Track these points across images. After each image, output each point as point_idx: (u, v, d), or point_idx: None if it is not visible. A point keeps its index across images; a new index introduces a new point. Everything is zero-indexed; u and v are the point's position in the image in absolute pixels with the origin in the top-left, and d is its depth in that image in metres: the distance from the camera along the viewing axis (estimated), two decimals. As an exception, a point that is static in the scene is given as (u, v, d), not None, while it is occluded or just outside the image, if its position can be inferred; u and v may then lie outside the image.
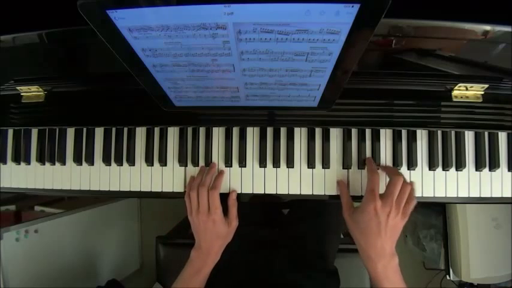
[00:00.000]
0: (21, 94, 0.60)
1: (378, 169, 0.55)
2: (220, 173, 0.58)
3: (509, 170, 0.57)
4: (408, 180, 0.55)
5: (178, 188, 0.59)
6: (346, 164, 0.57)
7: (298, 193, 0.58)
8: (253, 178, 0.59)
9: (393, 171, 0.52)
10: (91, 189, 0.62)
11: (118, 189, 0.61)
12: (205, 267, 0.55)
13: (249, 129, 0.59)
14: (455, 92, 0.54)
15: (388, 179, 0.52)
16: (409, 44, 0.43)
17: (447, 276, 1.06)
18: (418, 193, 0.57)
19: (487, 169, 0.57)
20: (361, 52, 0.33)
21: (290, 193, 0.58)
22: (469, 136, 0.57)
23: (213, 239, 0.55)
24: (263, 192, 0.58)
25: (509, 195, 0.57)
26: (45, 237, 0.97)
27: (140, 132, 0.61)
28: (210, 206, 0.54)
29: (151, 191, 0.60)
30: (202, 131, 0.60)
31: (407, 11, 0.37)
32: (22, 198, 1.11)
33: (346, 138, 0.58)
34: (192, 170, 0.60)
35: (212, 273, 0.58)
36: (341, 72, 0.38)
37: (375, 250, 0.47)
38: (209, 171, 0.58)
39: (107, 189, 0.61)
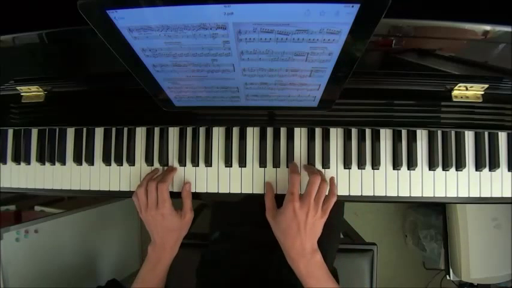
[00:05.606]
0: (21, 94, 0.60)
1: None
2: (171, 168, 0.59)
3: (509, 170, 0.57)
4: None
5: (178, 188, 0.59)
6: (346, 164, 0.58)
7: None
8: (253, 178, 0.59)
9: (311, 170, 0.53)
10: (91, 189, 0.62)
11: (118, 189, 0.61)
12: (161, 262, 0.55)
13: (249, 129, 0.59)
14: (455, 92, 0.54)
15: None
16: (409, 44, 0.43)
17: (447, 276, 1.06)
18: (418, 193, 0.57)
19: (487, 169, 0.57)
20: (361, 52, 0.33)
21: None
22: (469, 136, 0.57)
23: (166, 233, 0.54)
24: (263, 192, 0.58)
25: (509, 195, 0.57)
26: (45, 237, 0.97)
27: (140, 132, 0.61)
28: (158, 201, 0.53)
29: (151, 191, 0.60)
30: (202, 131, 0.60)
31: (407, 11, 0.37)
32: (22, 198, 1.11)
33: (346, 138, 0.58)
34: (191, 170, 0.60)
35: (211, 273, 0.58)
36: (341, 72, 0.38)
37: (295, 250, 0.49)
38: (164, 171, 0.58)
39: (107, 189, 0.61)
